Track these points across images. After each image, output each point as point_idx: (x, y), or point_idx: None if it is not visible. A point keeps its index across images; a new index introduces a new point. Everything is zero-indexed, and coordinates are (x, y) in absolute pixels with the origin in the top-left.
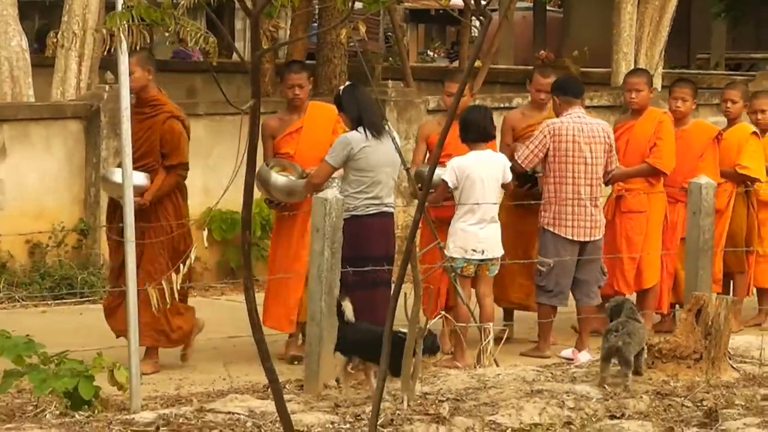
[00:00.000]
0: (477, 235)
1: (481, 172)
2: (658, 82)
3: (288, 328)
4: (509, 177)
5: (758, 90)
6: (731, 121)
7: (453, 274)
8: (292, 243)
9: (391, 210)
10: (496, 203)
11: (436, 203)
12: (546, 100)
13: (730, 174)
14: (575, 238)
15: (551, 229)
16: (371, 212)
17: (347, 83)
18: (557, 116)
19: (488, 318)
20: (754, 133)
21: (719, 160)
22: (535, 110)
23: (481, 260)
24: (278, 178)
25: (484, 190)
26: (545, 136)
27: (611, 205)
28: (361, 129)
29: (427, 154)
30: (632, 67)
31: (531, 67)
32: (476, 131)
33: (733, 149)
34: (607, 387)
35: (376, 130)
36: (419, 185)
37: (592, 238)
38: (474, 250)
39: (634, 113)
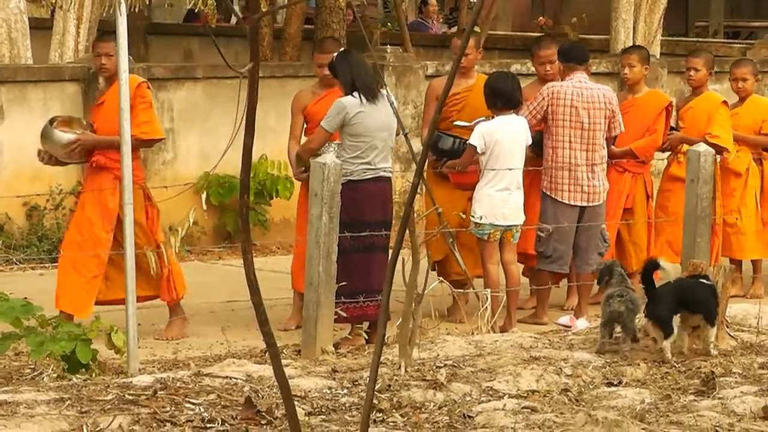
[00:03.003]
0: (505, 201)
1: (508, 138)
2: (656, 50)
3: (83, 314)
4: (530, 140)
5: (739, 58)
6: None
7: (451, 240)
8: (94, 222)
9: (389, 175)
10: (521, 169)
11: (464, 168)
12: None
13: (697, 142)
14: (572, 203)
15: (549, 194)
16: (367, 177)
17: (341, 49)
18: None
19: (515, 284)
20: (724, 102)
21: (687, 129)
22: (461, 77)
23: (507, 227)
24: (61, 135)
25: (512, 155)
26: (543, 99)
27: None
28: (355, 94)
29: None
30: (631, 35)
31: (530, 34)
32: (505, 98)
33: (702, 119)
34: (605, 353)
35: (371, 94)
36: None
37: (591, 204)
38: (501, 216)
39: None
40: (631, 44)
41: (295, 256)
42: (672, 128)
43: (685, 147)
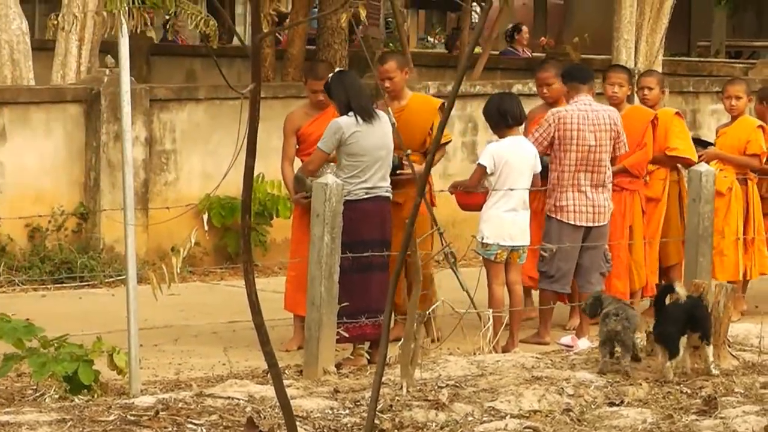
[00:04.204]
0: (513, 221)
1: (517, 158)
2: (658, 70)
3: None
4: (539, 167)
5: (734, 77)
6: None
7: (453, 260)
8: None
9: (387, 194)
10: (528, 189)
11: (471, 188)
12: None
13: (660, 159)
14: (578, 223)
15: (554, 216)
16: (365, 197)
17: (337, 70)
18: (567, 103)
19: (518, 304)
20: (677, 113)
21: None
22: (392, 100)
23: (513, 247)
24: None
25: (520, 176)
26: (550, 125)
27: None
28: (351, 114)
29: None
30: (633, 54)
31: (532, 54)
32: (512, 116)
33: (659, 135)
34: (607, 373)
35: (366, 114)
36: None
37: (596, 224)
38: (508, 237)
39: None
40: (633, 64)
41: (288, 278)
42: None
43: (650, 166)
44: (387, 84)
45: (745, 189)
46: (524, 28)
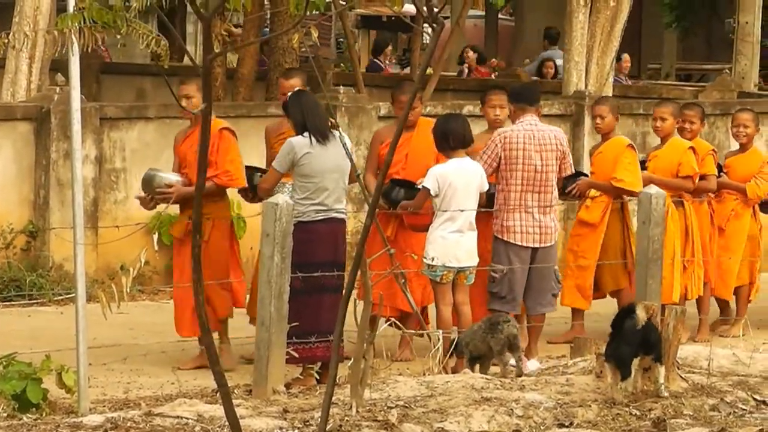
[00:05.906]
0: (457, 242)
1: (462, 180)
2: (608, 92)
3: None
4: (486, 186)
5: (665, 98)
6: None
7: (403, 281)
8: None
9: (341, 216)
10: (474, 211)
11: (417, 210)
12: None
13: (605, 187)
14: (525, 244)
15: (502, 237)
16: (317, 218)
17: (295, 89)
18: (513, 123)
19: (466, 325)
20: (630, 146)
21: (596, 174)
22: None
23: (460, 268)
24: None
25: (465, 198)
26: (497, 145)
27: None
28: (306, 134)
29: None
30: (583, 77)
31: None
32: (457, 139)
33: (609, 163)
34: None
35: (321, 135)
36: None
37: (543, 245)
38: (454, 258)
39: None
40: (583, 86)
41: (175, 302)
42: (582, 173)
43: (593, 192)
44: None
45: (682, 211)
46: (625, 56)
